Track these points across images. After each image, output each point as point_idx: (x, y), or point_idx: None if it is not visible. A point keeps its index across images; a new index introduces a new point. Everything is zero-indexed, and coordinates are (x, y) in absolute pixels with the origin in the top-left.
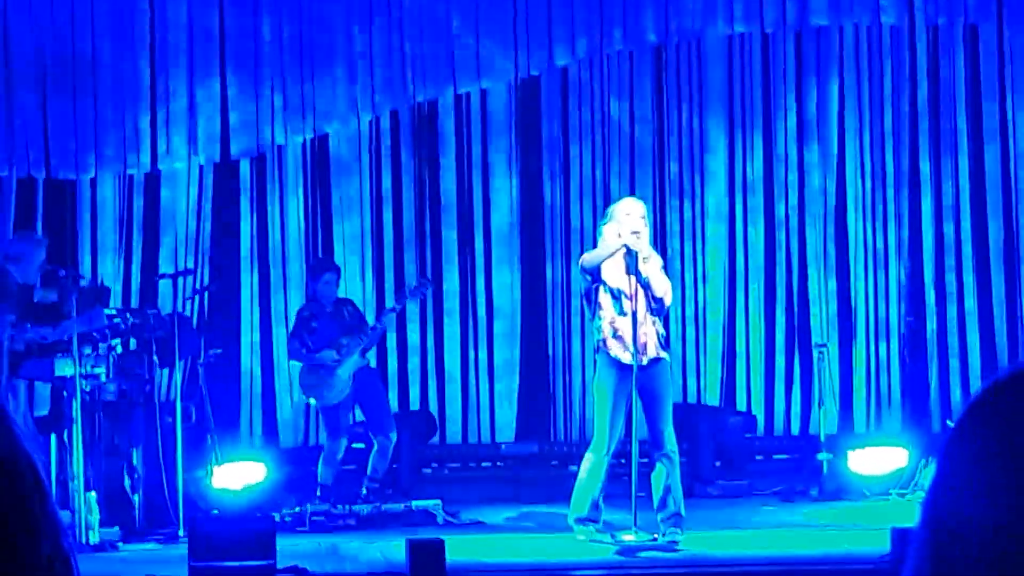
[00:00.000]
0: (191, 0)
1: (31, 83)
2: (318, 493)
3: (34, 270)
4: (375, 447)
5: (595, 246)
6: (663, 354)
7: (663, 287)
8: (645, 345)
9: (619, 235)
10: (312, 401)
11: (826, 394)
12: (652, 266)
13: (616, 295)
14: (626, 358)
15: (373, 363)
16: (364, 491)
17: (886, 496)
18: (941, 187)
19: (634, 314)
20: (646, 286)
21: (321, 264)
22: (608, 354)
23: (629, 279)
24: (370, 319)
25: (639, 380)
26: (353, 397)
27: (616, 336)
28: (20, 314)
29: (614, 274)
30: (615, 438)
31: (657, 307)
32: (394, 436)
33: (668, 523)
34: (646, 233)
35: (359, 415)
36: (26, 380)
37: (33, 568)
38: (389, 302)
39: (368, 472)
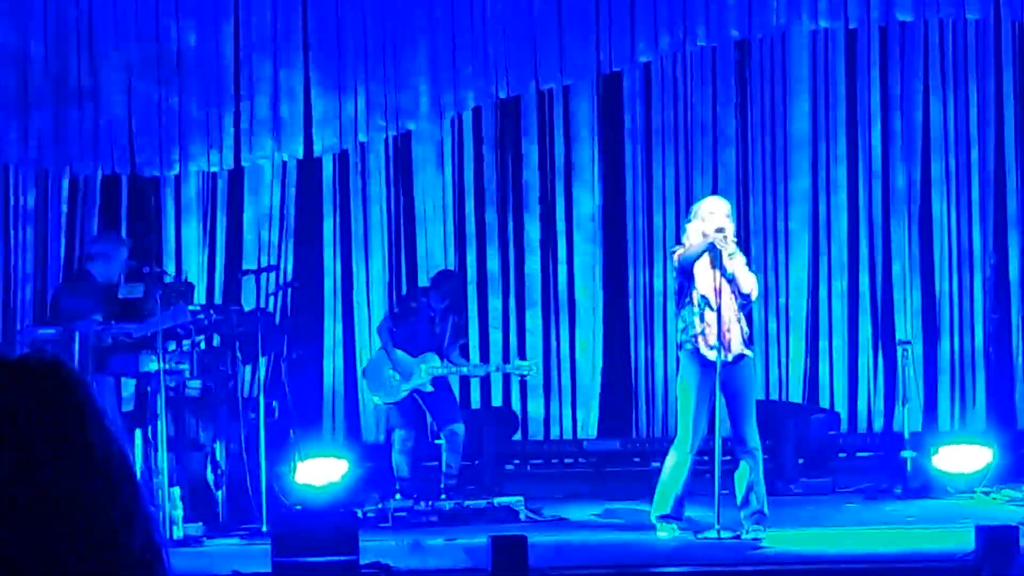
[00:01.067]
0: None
1: (116, 81)
2: (397, 487)
3: (116, 269)
4: (444, 442)
5: (679, 244)
6: (747, 351)
7: (749, 282)
8: (730, 342)
9: (704, 234)
10: (373, 397)
11: (910, 391)
12: (737, 262)
13: (702, 292)
14: (711, 355)
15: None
16: (443, 488)
17: (971, 494)
18: None
19: (719, 311)
20: (732, 281)
21: (444, 287)
22: (693, 351)
23: (714, 274)
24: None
25: (723, 377)
26: (415, 394)
27: (702, 333)
28: (105, 311)
29: (700, 271)
30: (699, 435)
31: (743, 303)
32: (459, 428)
33: (751, 521)
34: (731, 230)
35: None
36: (112, 376)
37: (128, 558)
38: (474, 307)
39: (443, 469)
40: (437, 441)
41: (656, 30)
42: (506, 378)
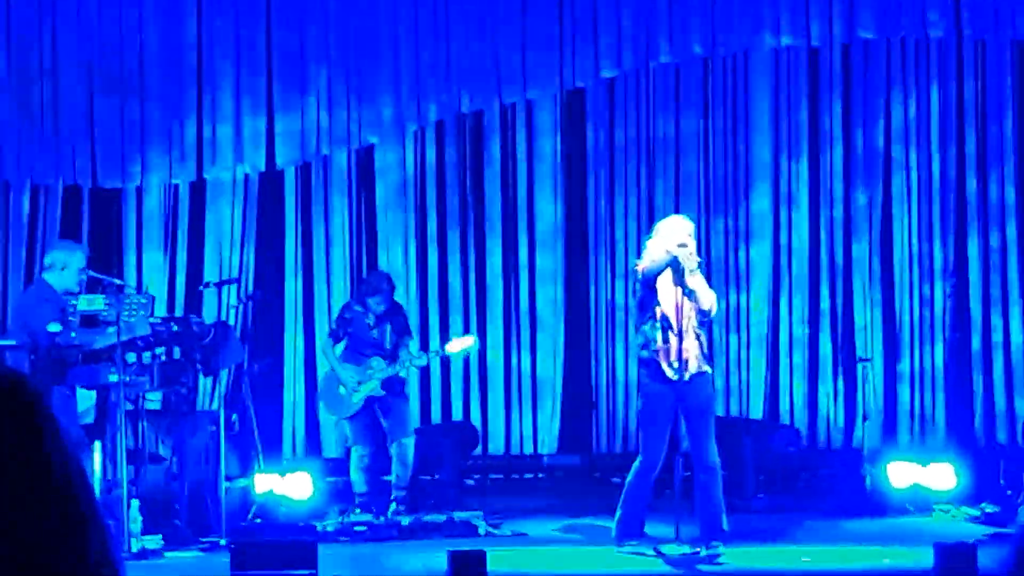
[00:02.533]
0: (238, 9)
1: (78, 92)
2: (356, 501)
3: (72, 278)
4: (393, 455)
5: (638, 259)
6: (706, 367)
7: (708, 299)
8: (688, 359)
9: (667, 251)
10: (330, 415)
11: (870, 409)
12: (697, 279)
13: (663, 308)
14: (671, 372)
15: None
16: (392, 501)
17: (930, 512)
18: (987, 201)
19: (680, 328)
20: (692, 298)
21: (374, 285)
22: (653, 367)
23: (676, 291)
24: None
25: (682, 394)
26: (371, 405)
27: (663, 349)
28: (64, 322)
29: (661, 288)
30: (661, 453)
31: (702, 320)
32: (409, 441)
33: (710, 537)
34: (693, 247)
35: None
36: (71, 388)
37: (82, 569)
38: (436, 316)
39: (394, 481)
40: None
41: (620, 46)
42: (466, 393)
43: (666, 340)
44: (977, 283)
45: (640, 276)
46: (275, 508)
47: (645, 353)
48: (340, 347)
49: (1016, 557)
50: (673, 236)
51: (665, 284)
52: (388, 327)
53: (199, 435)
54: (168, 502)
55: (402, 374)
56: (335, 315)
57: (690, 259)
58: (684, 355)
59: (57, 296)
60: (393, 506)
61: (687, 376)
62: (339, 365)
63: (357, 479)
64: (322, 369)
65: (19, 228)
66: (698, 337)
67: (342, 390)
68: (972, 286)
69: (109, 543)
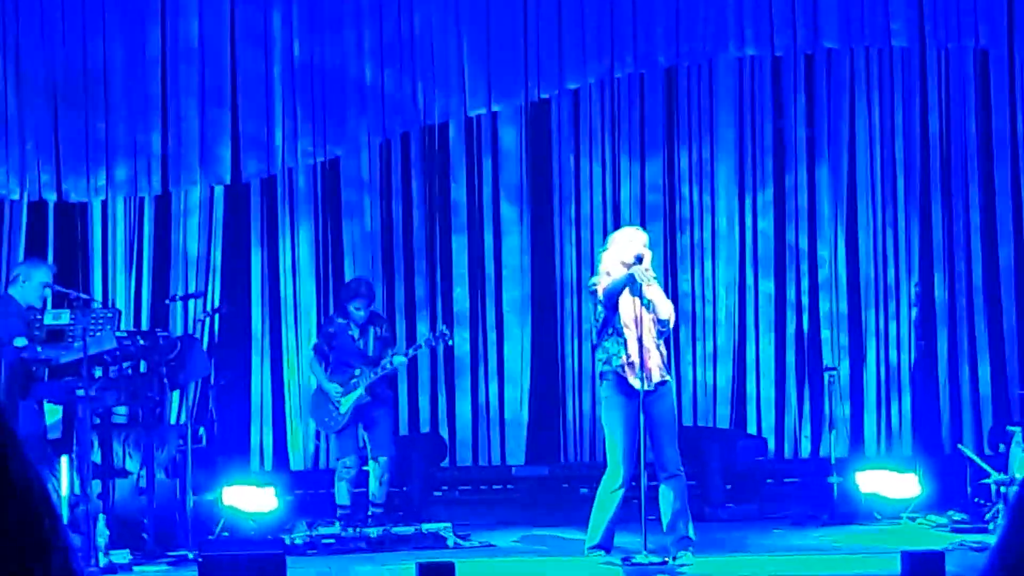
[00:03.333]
0: (203, 22)
1: (42, 106)
2: (337, 514)
3: (35, 292)
4: (371, 472)
5: (594, 274)
6: (667, 376)
7: (667, 309)
8: (651, 369)
9: (624, 264)
10: (320, 430)
11: (836, 417)
12: (655, 289)
13: (623, 320)
14: (635, 383)
15: (402, 369)
16: (370, 518)
17: (897, 520)
18: (953, 210)
19: (640, 339)
20: (650, 308)
21: (354, 289)
22: (616, 380)
23: (634, 302)
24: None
25: (646, 404)
26: (357, 417)
27: (626, 362)
28: (30, 336)
29: (620, 300)
30: (630, 465)
31: (661, 330)
32: (383, 460)
33: (678, 546)
34: (649, 258)
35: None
36: (37, 402)
37: None
38: (401, 328)
39: (369, 497)
40: (365, 467)
41: (584, 57)
42: (434, 404)
43: (628, 352)
44: (943, 291)
45: (601, 298)
46: (243, 521)
47: (607, 367)
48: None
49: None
50: (627, 248)
51: (624, 297)
52: (371, 336)
53: (166, 449)
54: (136, 516)
55: (401, 366)
56: (318, 331)
57: (646, 274)
58: (647, 365)
59: (22, 310)
60: (370, 521)
61: (649, 386)
62: (325, 381)
63: (341, 491)
64: (312, 384)
65: None
66: (658, 347)
67: (329, 406)
68: (937, 294)
69: (72, 560)
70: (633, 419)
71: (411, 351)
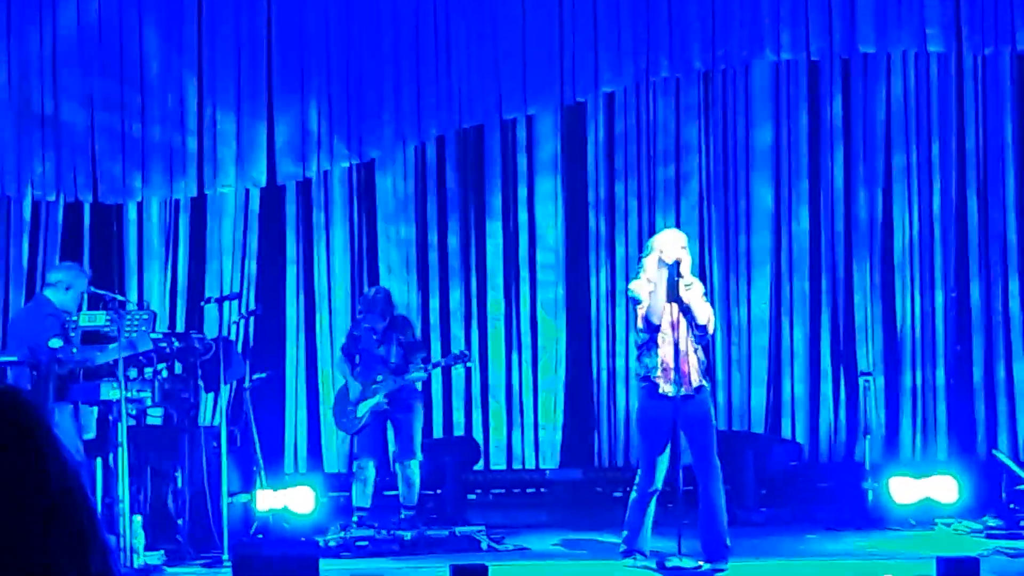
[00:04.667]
0: (239, 25)
1: (79, 108)
2: (354, 518)
3: (74, 299)
4: (399, 475)
5: (635, 277)
6: (704, 382)
7: (705, 314)
8: (688, 374)
9: (660, 261)
10: (340, 431)
11: (871, 422)
12: (694, 293)
13: (649, 319)
14: (669, 389)
15: (419, 384)
16: (401, 520)
17: (931, 526)
18: (989, 214)
19: (676, 344)
20: (688, 313)
21: (365, 302)
22: (651, 385)
23: (671, 307)
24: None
25: (682, 410)
26: (386, 417)
27: (660, 368)
28: (65, 338)
29: (648, 296)
30: (662, 470)
31: (699, 335)
32: (413, 464)
33: (713, 552)
34: (688, 261)
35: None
36: (73, 404)
37: None
38: (436, 331)
39: (401, 500)
40: (392, 470)
41: (620, 61)
42: (468, 408)
43: (664, 356)
44: (978, 295)
45: (642, 326)
46: (277, 523)
47: (643, 371)
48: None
49: None
50: (667, 250)
51: (655, 295)
52: (394, 344)
53: (201, 451)
54: (170, 518)
55: (418, 386)
56: (346, 337)
57: (684, 269)
58: (683, 370)
59: (58, 312)
60: (402, 526)
61: (685, 391)
62: (352, 378)
63: (357, 493)
64: (337, 384)
65: (19, 244)
66: (696, 352)
67: (349, 406)
68: (973, 298)
69: (110, 559)
70: (666, 424)
71: (430, 367)
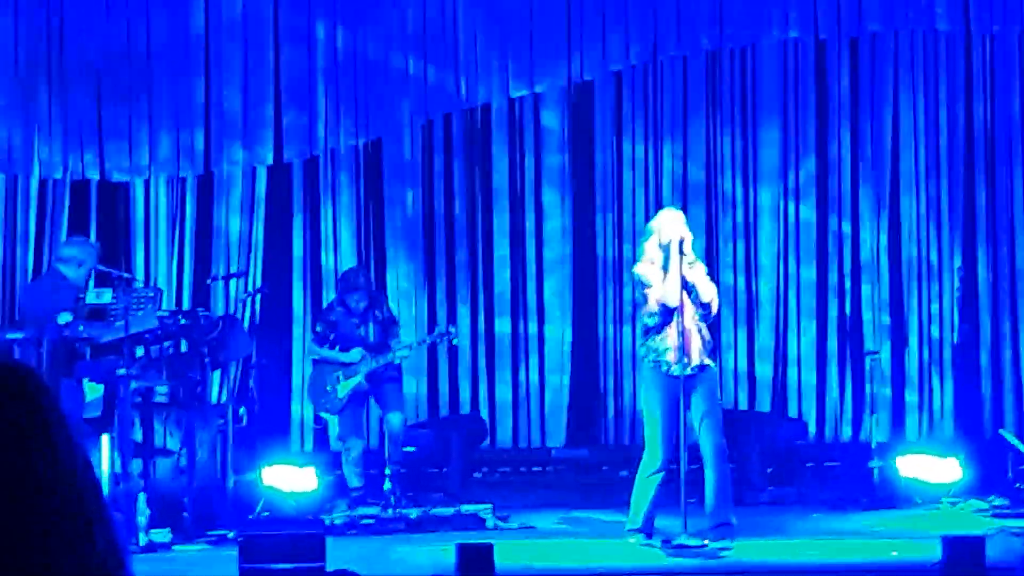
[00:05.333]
0: (245, 2)
1: (85, 85)
2: (351, 496)
3: (85, 275)
4: (386, 433)
5: (637, 261)
6: (709, 361)
7: (709, 292)
8: (691, 353)
9: (660, 245)
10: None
11: (878, 401)
12: (697, 272)
13: (666, 303)
14: (675, 368)
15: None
16: (387, 479)
17: (937, 504)
18: (996, 193)
19: (680, 322)
20: (692, 292)
21: (351, 284)
22: (655, 364)
23: (676, 286)
24: (408, 332)
25: (687, 388)
26: (368, 395)
27: (666, 346)
28: (74, 315)
29: (661, 283)
30: (669, 450)
31: (703, 314)
32: (395, 417)
33: (718, 530)
34: (689, 239)
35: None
36: (79, 380)
37: (90, 564)
38: (442, 312)
39: (385, 456)
40: (407, 449)
41: (627, 40)
42: (474, 385)
43: (668, 335)
44: (985, 275)
45: (656, 310)
46: (283, 501)
47: (648, 351)
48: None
49: None
50: (666, 230)
51: (668, 279)
52: (371, 323)
53: (207, 429)
54: (176, 496)
55: (396, 362)
56: (319, 320)
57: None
58: (688, 349)
59: (71, 286)
60: (388, 484)
61: (690, 370)
62: (337, 353)
63: (348, 473)
64: (308, 369)
65: (27, 221)
66: (700, 331)
67: (328, 387)
68: (980, 277)
69: (115, 535)
70: (671, 403)
71: (415, 345)
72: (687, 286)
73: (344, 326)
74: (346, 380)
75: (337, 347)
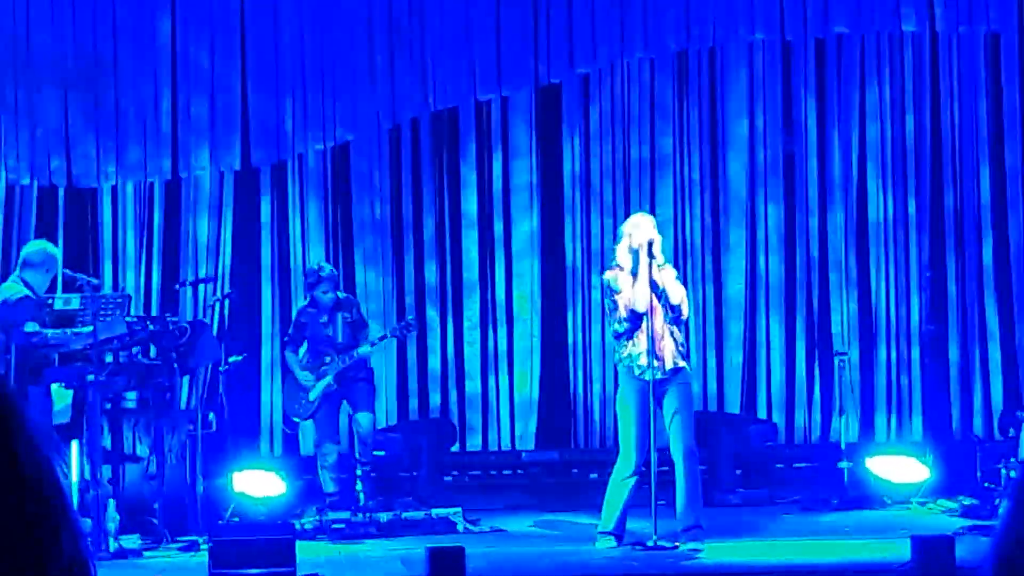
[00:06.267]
0: (212, 8)
1: (52, 91)
2: (326, 501)
3: (46, 280)
4: (355, 434)
5: (607, 268)
6: (682, 363)
7: (678, 295)
8: (664, 357)
9: (630, 249)
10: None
11: (847, 402)
12: (667, 275)
13: (634, 309)
14: (646, 373)
15: (370, 361)
16: (358, 479)
17: (907, 504)
18: (963, 193)
19: (651, 326)
20: (662, 296)
21: (316, 274)
22: (628, 369)
23: (646, 290)
24: (376, 330)
25: (659, 391)
26: (340, 397)
27: (638, 350)
28: (40, 322)
29: (632, 288)
30: (642, 453)
31: (674, 316)
32: (363, 416)
33: (689, 533)
34: (659, 242)
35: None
36: (47, 387)
37: (53, 569)
38: (410, 313)
39: (357, 456)
40: (378, 452)
41: (594, 42)
42: (444, 389)
43: (639, 339)
44: (953, 275)
45: (624, 315)
46: (253, 506)
47: (621, 355)
48: (302, 351)
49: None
50: (636, 234)
51: (637, 284)
52: (339, 320)
53: (176, 434)
54: (146, 501)
55: (371, 363)
56: (291, 324)
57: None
58: (660, 353)
59: (36, 295)
60: (359, 484)
61: (662, 374)
62: (299, 370)
63: (324, 478)
64: (276, 376)
65: None
66: (672, 334)
67: (300, 393)
68: (948, 278)
69: (81, 542)
70: (644, 406)
71: (377, 340)
72: (656, 289)
73: (313, 328)
74: (317, 382)
75: (305, 350)
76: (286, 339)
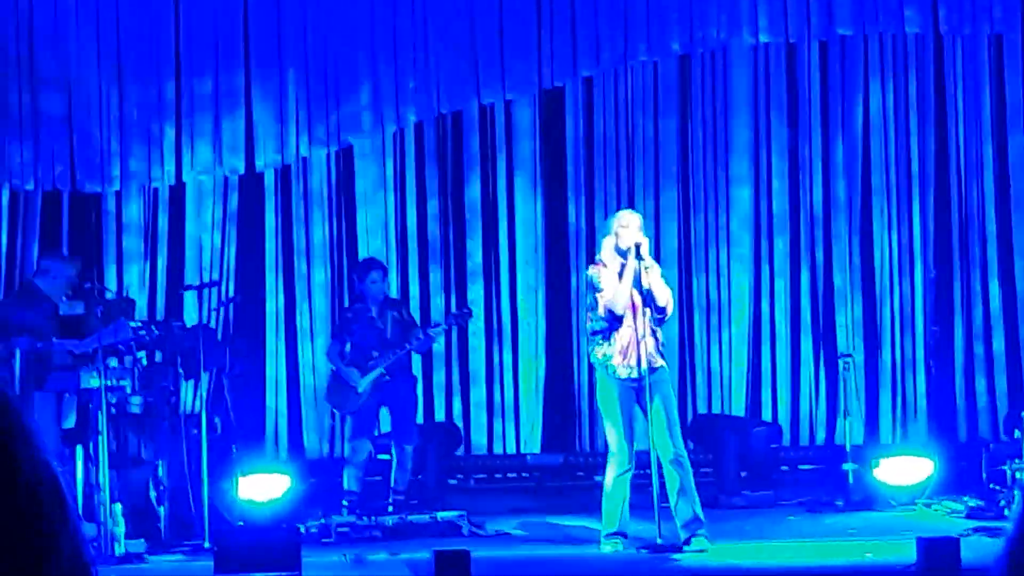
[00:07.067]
0: (216, 12)
1: (56, 96)
2: (344, 503)
3: (62, 289)
4: (394, 459)
5: (595, 260)
6: (661, 361)
7: (664, 296)
8: (642, 356)
9: (616, 249)
10: (337, 412)
11: (851, 404)
12: (653, 275)
13: (613, 310)
14: (626, 372)
15: (416, 370)
16: (390, 506)
17: (912, 506)
18: (967, 195)
19: (634, 326)
20: (648, 296)
21: (367, 263)
22: (606, 369)
23: (631, 291)
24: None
25: (640, 390)
26: (381, 401)
27: (617, 351)
28: (46, 327)
29: (617, 288)
30: (632, 449)
31: (659, 318)
32: (409, 448)
33: (689, 528)
34: (646, 243)
35: (386, 423)
36: (52, 392)
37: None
38: (417, 316)
39: (392, 484)
40: (382, 456)
41: (598, 45)
42: (448, 392)
43: (620, 339)
44: (958, 276)
45: (603, 314)
46: (258, 510)
47: (599, 356)
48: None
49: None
50: (622, 236)
51: (620, 286)
52: (389, 319)
53: (181, 439)
54: (151, 506)
55: (416, 369)
56: (337, 320)
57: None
58: (640, 352)
59: (50, 301)
60: (390, 509)
61: (640, 372)
62: (344, 367)
63: (348, 476)
64: (308, 368)
65: None
66: (654, 333)
67: (348, 387)
68: (953, 279)
69: (82, 547)
70: (627, 404)
71: (432, 331)
72: (644, 292)
73: (361, 322)
74: (367, 375)
75: (350, 353)
76: (331, 341)
